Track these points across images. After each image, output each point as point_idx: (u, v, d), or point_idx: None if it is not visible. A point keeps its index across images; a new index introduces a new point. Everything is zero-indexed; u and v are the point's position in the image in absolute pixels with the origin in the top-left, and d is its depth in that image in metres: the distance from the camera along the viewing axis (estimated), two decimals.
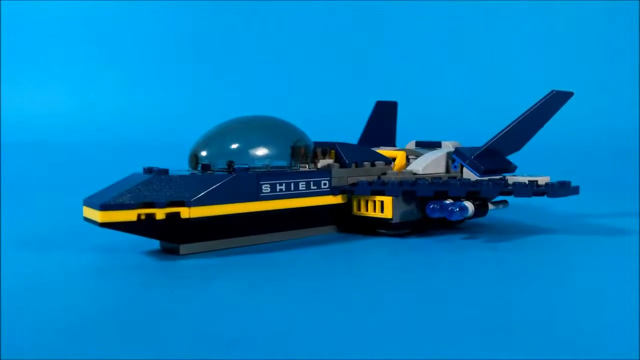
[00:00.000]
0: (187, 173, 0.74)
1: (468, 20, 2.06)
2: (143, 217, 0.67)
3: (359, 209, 0.85)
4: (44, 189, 1.42)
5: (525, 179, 0.86)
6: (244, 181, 0.74)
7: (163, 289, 0.60)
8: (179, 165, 0.81)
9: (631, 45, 1.96)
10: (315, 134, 0.89)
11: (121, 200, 0.67)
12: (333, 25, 2.08)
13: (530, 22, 2.06)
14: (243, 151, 0.80)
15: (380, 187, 0.82)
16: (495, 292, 0.59)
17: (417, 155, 0.96)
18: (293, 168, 0.82)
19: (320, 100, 1.95)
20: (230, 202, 0.73)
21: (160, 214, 0.68)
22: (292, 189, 0.79)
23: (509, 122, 0.94)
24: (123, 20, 2.06)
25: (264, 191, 0.76)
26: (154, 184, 0.69)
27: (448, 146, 0.99)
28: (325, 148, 0.89)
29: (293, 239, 0.83)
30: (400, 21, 2.08)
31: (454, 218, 0.81)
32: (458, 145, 0.99)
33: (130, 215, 0.67)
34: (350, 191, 0.84)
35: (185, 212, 0.69)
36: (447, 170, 0.94)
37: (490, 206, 0.89)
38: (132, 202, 0.67)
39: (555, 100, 0.94)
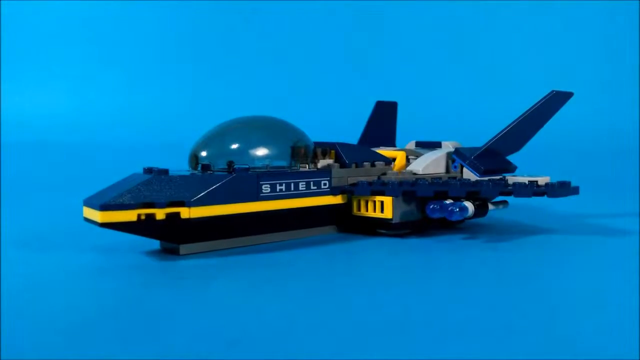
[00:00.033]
0: (187, 173, 0.74)
1: (468, 20, 2.06)
2: (143, 217, 0.67)
3: (359, 209, 0.85)
4: (44, 189, 1.42)
5: (525, 179, 0.86)
6: (244, 181, 0.74)
7: (163, 289, 0.60)
8: (179, 166, 0.81)
9: (631, 45, 1.96)
10: (315, 134, 0.89)
11: (121, 200, 0.67)
12: (333, 25, 2.08)
13: (530, 22, 2.06)
14: (243, 151, 0.80)
15: (380, 187, 0.82)
16: (495, 292, 0.59)
17: (417, 156, 0.96)
18: (293, 168, 0.82)
19: (320, 100, 1.95)
20: (230, 202, 0.73)
21: (160, 214, 0.68)
22: (292, 189, 0.79)
23: (509, 122, 0.94)
24: (123, 20, 2.06)
25: (264, 191, 0.76)
26: (154, 184, 0.69)
27: (448, 146, 0.99)
28: (325, 148, 0.89)
29: (293, 239, 0.83)
30: (400, 21, 2.08)
31: (454, 218, 0.81)
32: (458, 145, 0.99)
33: (130, 216, 0.67)
34: (350, 191, 0.84)
35: (185, 212, 0.69)
36: (447, 171, 0.94)
37: (490, 206, 0.89)
38: (132, 202, 0.67)
39: (555, 101, 0.94)
